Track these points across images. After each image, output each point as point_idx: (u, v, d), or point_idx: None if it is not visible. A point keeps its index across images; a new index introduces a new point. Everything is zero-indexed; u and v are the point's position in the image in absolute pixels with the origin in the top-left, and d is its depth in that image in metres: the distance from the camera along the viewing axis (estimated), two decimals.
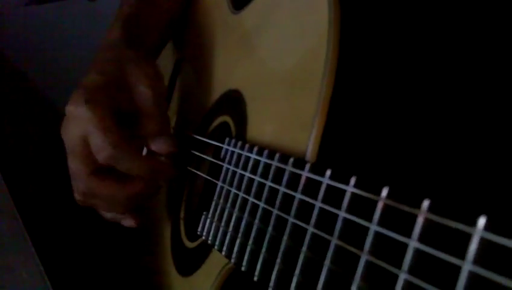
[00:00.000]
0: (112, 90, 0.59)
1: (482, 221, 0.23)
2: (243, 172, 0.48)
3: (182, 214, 0.68)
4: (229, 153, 0.53)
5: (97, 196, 0.59)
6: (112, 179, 0.59)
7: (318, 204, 0.36)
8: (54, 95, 1.20)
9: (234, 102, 0.58)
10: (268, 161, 0.44)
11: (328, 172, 0.35)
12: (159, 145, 0.62)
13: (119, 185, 0.59)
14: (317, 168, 0.37)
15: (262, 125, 0.50)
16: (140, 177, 0.59)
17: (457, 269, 0.24)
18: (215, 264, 0.53)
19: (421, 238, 0.26)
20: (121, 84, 0.60)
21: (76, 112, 0.57)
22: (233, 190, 0.49)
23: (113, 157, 0.56)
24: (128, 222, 0.64)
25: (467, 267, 0.23)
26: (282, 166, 0.41)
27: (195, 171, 0.66)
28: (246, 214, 0.46)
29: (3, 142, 1.10)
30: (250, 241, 0.44)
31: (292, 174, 0.40)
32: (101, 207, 0.63)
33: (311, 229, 0.36)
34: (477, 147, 0.43)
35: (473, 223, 0.24)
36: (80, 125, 0.56)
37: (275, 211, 0.41)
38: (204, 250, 0.57)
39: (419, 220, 0.26)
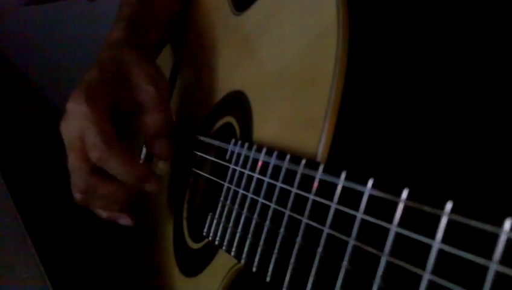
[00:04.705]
0: (113, 88, 0.60)
1: (508, 222, 0.24)
2: (251, 173, 0.48)
3: (184, 215, 0.68)
4: (235, 154, 0.53)
5: (96, 194, 0.59)
6: (111, 177, 0.59)
7: (334, 205, 0.36)
8: (54, 95, 1.20)
9: (238, 103, 0.58)
10: (279, 162, 0.44)
11: (344, 173, 0.36)
12: (159, 149, 0.63)
13: (120, 184, 0.59)
14: (332, 169, 0.37)
15: (269, 126, 0.50)
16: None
17: (484, 270, 0.24)
18: (222, 265, 0.53)
19: (445, 239, 0.26)
20: (122, 83, 0.61)
21: (76, 109, 0.57)
22: (241, 191, 0.49)
23: (104, 157, 0.56)
24: (124, 221, 0.64)
25: (494, 267, 0.24)
26: (294, 167, 0.41)
27: (200, 173, 0.65)
28: (255, 215, 0.46)
29: (3, 142, 1.10)
30: (261, 242, 0.43)
31: (304, 175, 0.40)
32: (98, 206, 0.63)
33: (326, 230, 0.36)
34: (488, 144, 0.44)
35: (499, 224, 0.24)
36: (78, 122, 0.57)
37: (287, 212, 0.41)
38: (210, 251, 0.56)
39: (443, 221, 0.26)
